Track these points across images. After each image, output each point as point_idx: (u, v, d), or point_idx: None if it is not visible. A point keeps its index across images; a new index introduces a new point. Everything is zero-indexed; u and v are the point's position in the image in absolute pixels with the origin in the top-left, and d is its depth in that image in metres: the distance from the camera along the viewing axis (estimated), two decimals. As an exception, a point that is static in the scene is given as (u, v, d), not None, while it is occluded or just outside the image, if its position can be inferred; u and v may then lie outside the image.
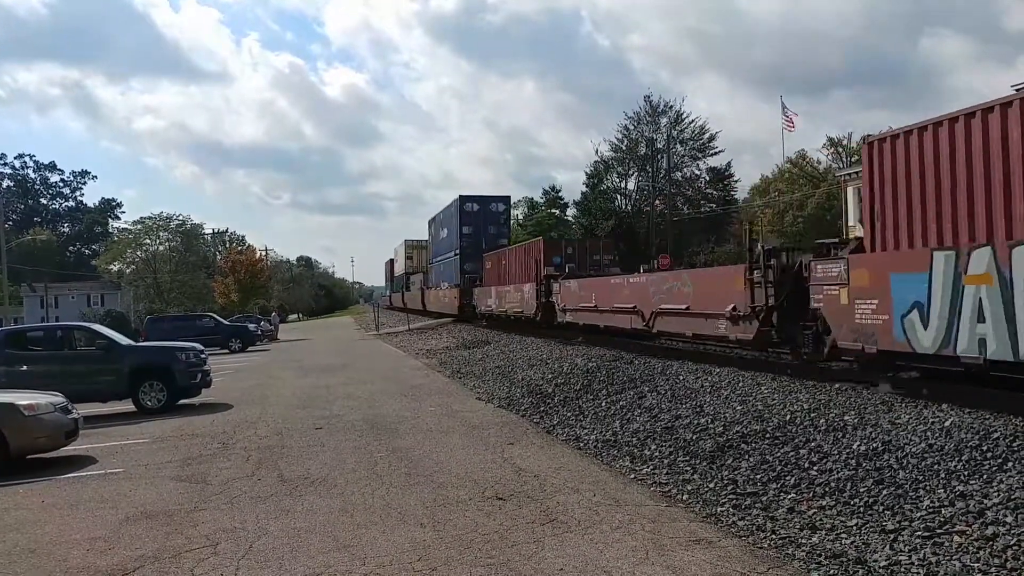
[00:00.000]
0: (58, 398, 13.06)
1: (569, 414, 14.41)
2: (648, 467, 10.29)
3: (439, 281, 54.33)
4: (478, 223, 47.10)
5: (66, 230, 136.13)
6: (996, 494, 7.15)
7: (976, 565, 6.07)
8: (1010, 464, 7.76)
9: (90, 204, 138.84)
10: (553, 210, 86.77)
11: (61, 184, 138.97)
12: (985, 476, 7.64)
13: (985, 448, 8.23)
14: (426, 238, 72.01)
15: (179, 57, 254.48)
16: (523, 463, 10.83)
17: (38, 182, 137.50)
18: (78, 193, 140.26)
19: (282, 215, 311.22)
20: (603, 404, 14.58)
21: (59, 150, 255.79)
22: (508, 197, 54.00)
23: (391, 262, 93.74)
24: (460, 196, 47.88)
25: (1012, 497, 6.99)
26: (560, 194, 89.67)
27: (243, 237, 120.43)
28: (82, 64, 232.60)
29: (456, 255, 47.52)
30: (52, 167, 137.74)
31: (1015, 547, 6.18)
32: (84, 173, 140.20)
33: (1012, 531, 6.43)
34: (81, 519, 9.10)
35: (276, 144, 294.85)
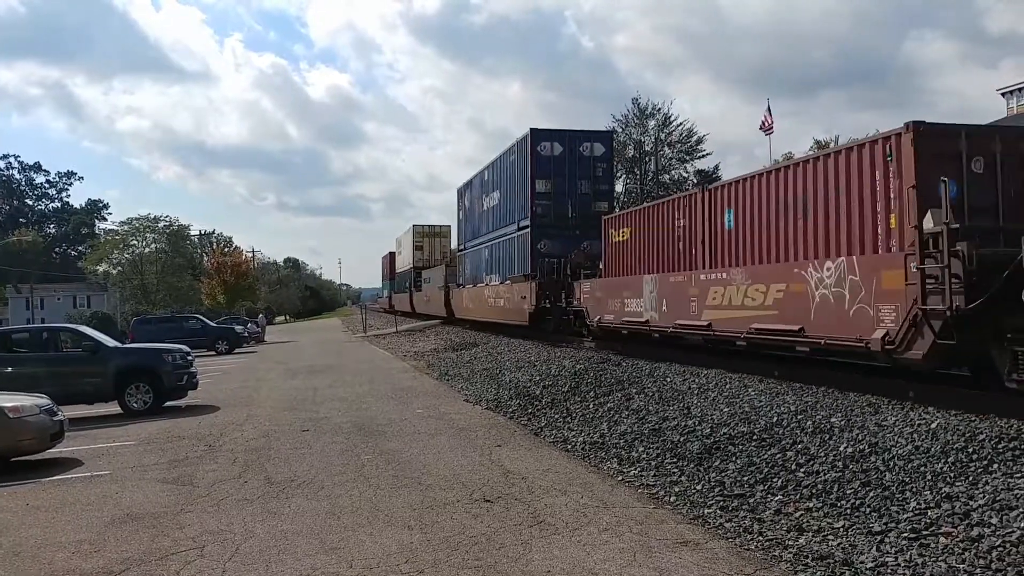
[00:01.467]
0: (43, 400, 12.98)
1: (557, 416, 14.41)
2: (636, 469, 10.30)
3: (482, 274, 37.42)
4: (561, 175, 29.31)
5: (52, 231, 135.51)
6: (981, 496, 7.19)
7: (961, 566, 6.09)
8: (995, 466, 7.80)
9: (76, 205, 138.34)
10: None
11: (47, 185, 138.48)
12: (971, 478, 7.68)
13: (971, 450, 8.26)
14: (439, 223, 63.92)
15: (161, 57, 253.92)
16: (511, 465, 10.83)
17: (23, 183, 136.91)
18: (64, 194, 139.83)
19: (268, 216, 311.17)
20: (591, 406, 14.58)
21: (42, 150, 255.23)
22: (610, 133, 38.33)
23: (390, 257, 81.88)
24: (532, 130, 29.94)
25: (997, 499, 7.02)
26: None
27: (230, 239, 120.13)
28: (62, 63, 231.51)
29: (523, 230, 30.10)
30: (37, 168, 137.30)
31: (1000, 548, 6.21)
32: (70, 174, 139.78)
33: (997, 532, 6.46)
34: (67, 521, 9.04)
35: (260, 145, 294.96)
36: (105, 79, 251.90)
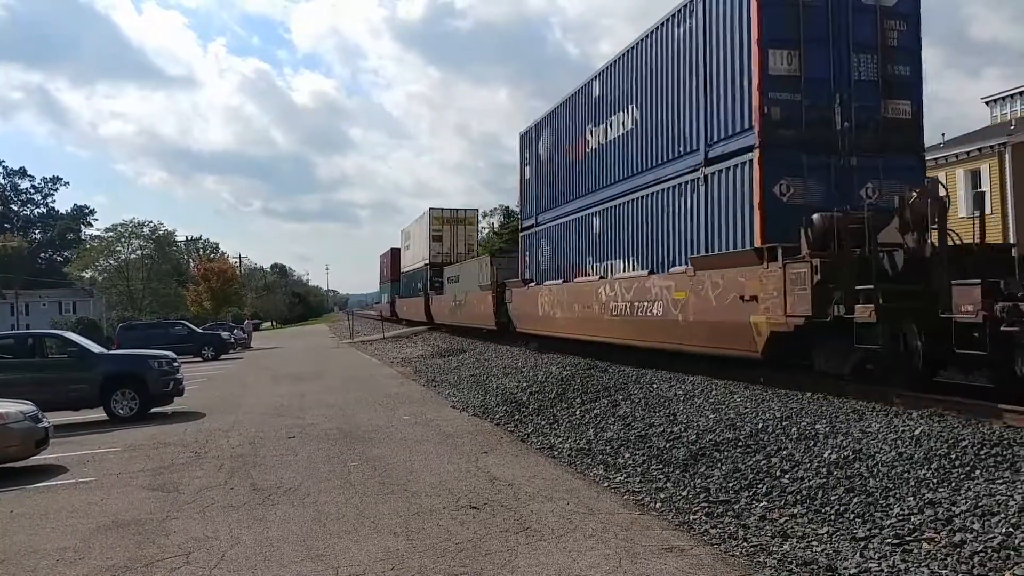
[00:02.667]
0: (28, 406, 12.92)
1: (543, 423, 14.43)
2: (622, 475, 10.33)
3: (584, 260, 23.32)
4: (820, 40, 14.70)
5: (37, 236, 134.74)
6: (964, 501, 7.24)
7: (944, 572, 6.14)
8: (977, 472, 7.86)
9: (62, 210, 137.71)
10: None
11: (32, 190, 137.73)
12: (953, 484, 7.73)
13: (953, 456, 8.33)
14: (464, 207, 51.73)
15: (145, 61, 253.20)
16: (497, 472, 10.84)
17: (8, 188, 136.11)
18: (49, 199, 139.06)
19: (254, 222, 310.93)
20: (577, 413, 14.61)
21: (26, 156, 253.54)
22: None
23: (391, 256, 68.60)
24: None
25: (979, 504, 7.08)
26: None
27: (216, 244, 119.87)
28: (44, 67, 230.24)
29: (732, 159, 15.42)
30: (23, 173, 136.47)
31: (981, 553, 6.26)
32: (56, 179, 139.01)
33: (979, 538, 6.51)
34: (51, 529, 9.01)
35: (246, 150, 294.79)
36: (88, 84, 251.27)
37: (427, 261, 49.37)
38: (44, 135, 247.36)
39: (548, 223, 26.63)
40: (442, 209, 50.73)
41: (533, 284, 27.74)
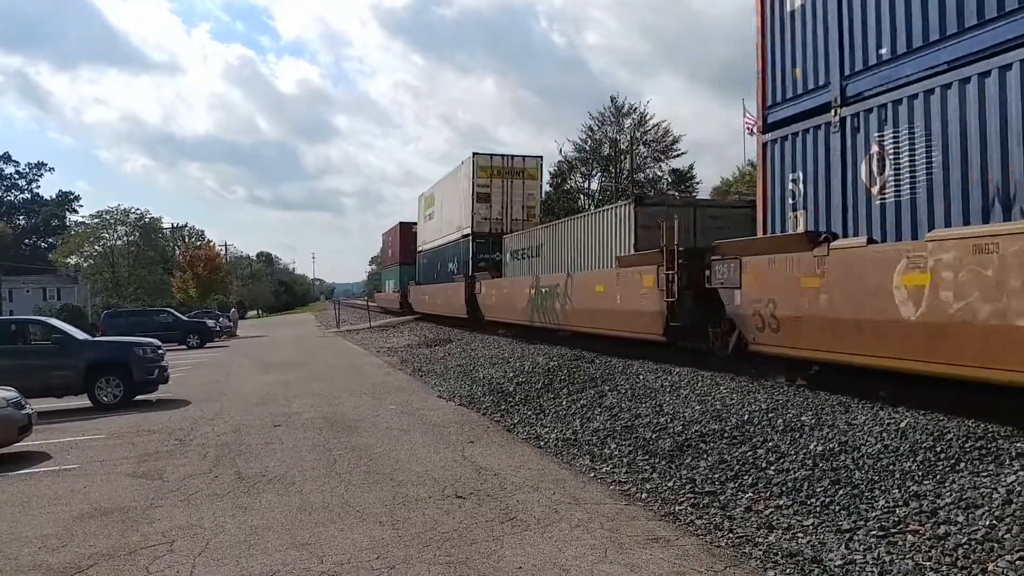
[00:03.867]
0: (11, 393, 12.83)
1: (530, 413, 14.42)
2: (608, 466, 10.33)
3: None
4: None
5: (22, 222, 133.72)
6: (948, 494, 7.26)
7: (928, 564, 6.16)
8: (962, 465, 7.88)
9: (47, 196, 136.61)
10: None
11: (16, 176, 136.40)
12: (938, 476, 7.76)
13: (939, 449, 8.35)
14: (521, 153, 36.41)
15: (127, 46, 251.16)
16: (483, 461, 10.83)
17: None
18: (34, 185, 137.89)
19: (238, 210, 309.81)
20: (564, 403, 14.60)
21: (7, 141, 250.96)
22: None
23: (400, 232, 56.78)
24: None
25: (964, 497, 7.10)
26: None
27: (203, 232, 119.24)
28: (24, 51, 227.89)
29: None
30: (7, 158, 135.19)
31: (966, 546, 6.28)
32: (40, 165, 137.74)
33: (963, 530, 6.53)
34: (33, 516, 8.95)
35: (230, 137, 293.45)
36: (70, 68, 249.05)
37: (468, 231, 35.96)
38: (26, 119, 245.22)
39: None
40: (490, 155, 36.15)
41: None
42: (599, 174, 78.09)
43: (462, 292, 34.02)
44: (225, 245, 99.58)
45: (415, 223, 53.07)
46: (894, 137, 11.15)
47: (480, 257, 34.94)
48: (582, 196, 77.00)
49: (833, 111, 12.33)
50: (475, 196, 35.50)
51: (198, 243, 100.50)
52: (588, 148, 76.37)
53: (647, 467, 9.98)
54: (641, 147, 75.94)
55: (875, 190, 11.53)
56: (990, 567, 5.96)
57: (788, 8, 13.57)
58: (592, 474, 10.05)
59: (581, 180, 78.83)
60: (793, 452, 9.26)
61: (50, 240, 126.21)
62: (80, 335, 19.76)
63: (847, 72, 12.09)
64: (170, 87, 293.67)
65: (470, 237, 35.81)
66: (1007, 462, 7.68)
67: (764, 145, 14.41)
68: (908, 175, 10.89)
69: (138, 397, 18.74)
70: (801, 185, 13.24)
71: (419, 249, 49.75)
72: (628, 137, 75.51)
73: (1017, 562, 5.90)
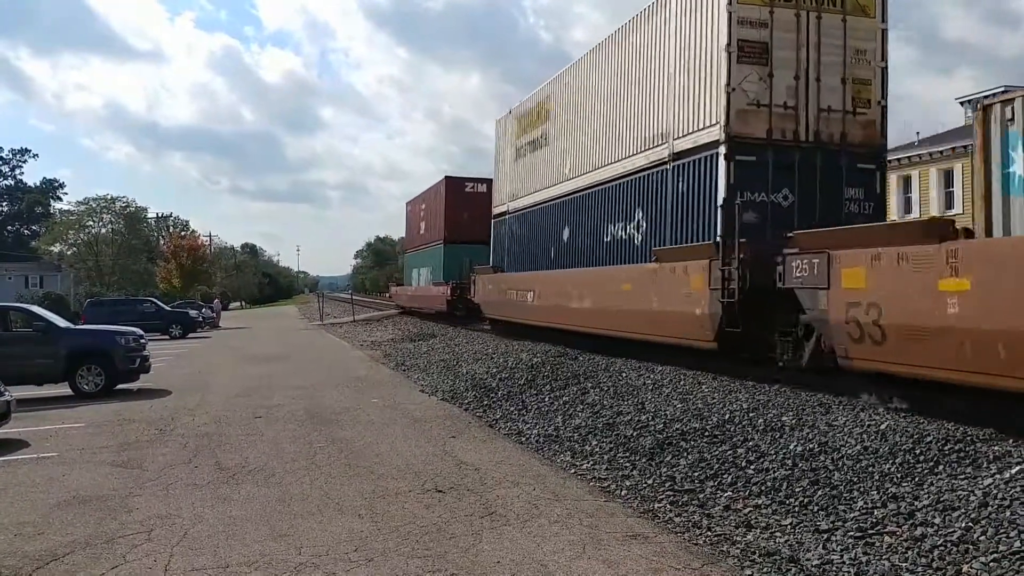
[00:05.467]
0: (-10, 379, 12.77)
1: (512, 408, 14.43)
2: (588, 462, 10.35)
3: None
4: None
5: (5, 209, 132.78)
6: (926, 496, 7.31)
7: (904, 565, 6.19)
8: (941, 467, 7.94)
9: (30, 183, 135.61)
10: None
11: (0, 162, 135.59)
12: (917, 479, 7.80)
13: (918, 451, 8.40)
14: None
15: (111, 33, 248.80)
16: (464, 456, 10.83)
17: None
18: (18, 171, 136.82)
19: (221, 200, 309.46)
20: (546, 399, 14.62)
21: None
22: None
23: (443, 194, 39.20)
24: None
25: (941, 499, 7.15)
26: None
27: (187, 222, 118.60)
28: (4, 34, 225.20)
29: None
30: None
31: (941, 547, 6.32)
32: (24, 151, 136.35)
33: (939, 532, 6.57)
34: (10, 503, 8.89)
35: (214, 127, 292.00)
36: (52, 54, 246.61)
37: (715, 130, 14.54)
38: (5, 105, 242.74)
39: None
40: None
41: None
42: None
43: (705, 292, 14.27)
44: (210, 236, 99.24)
45: (468, 179, 39.40)
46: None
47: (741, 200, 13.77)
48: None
49: None
50: (735, 45, 14.31)
51: (183, 233, 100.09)
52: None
53: (627, 464, 10.00)
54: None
55: None
56: (964, 568, 6.00)
57: None
58: (573, 470, 10.07)
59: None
60: (773, 452, 9.30)
61: (34, 227, 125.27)
62: (62, 323, 19.65)
63: None
64: (154, 76, 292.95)
65: (722, 146, 14.42)
66: (984, 465, 7.74)
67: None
68: None
69: (119, 386, 18.64)
70: None
71: (504, 212, 28.46)
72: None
73: (991, 563, 5.95)
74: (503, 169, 29.20)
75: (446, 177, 39.79)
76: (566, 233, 22.28)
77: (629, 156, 18.31)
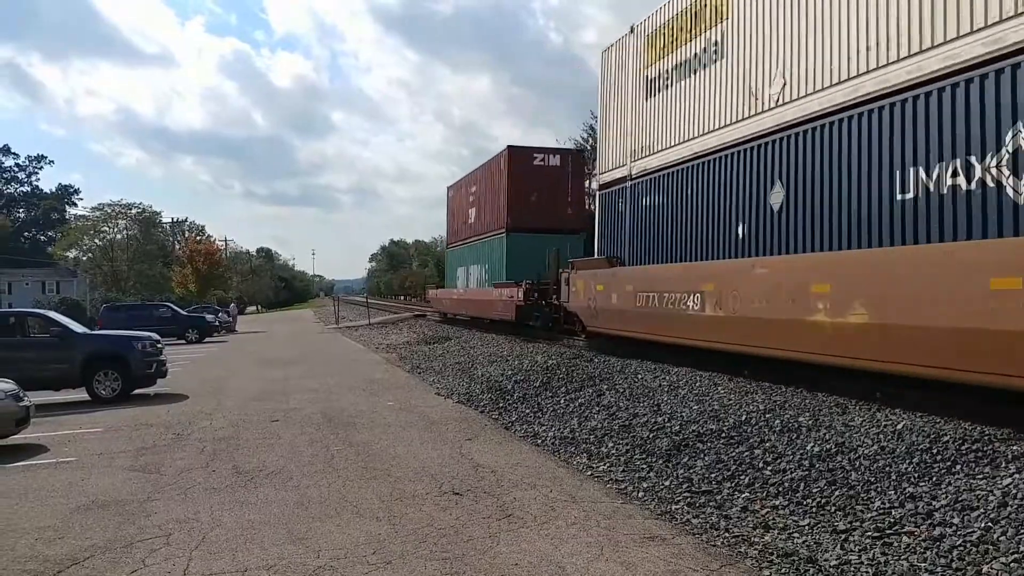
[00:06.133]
0: (9, 385, 12.82)
1: (528, 411, 14.43)
2: (605, 464, 10.34)
3: None
4: None
5: (21, 215, 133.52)
6: (944, 496, 7.28)
7: (923, 565, 6.17)
8: (958, 467, 7.90)
9: (46, 189, 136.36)
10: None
11: (16, 169, 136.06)
12: (934, 478, 7.77)
13: (935, 451, 8.36)
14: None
15: (121, 38, 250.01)
16: (481, 459, 10.84)
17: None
18: (34, 178, 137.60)
19: (233, 205, 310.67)
20: (562, 401, 14.61)
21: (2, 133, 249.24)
22: None
23: (506, 170, 30.48)
24: None
25: (959, 499, 7.11)
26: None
27: (203, 227, 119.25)
28: (16, 41, 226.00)
29: None
30: (7, 151, 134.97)
31: (960, 548, 6.29)
32: (40, 157, 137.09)
33: (958, 532, 6.54)
34: (30, 508, 8.95)
35: (225, 132, 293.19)
36: (62, 59, 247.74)
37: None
38: (15, 110, 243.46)
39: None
40: None
41: None
42: (601, 173, 77.71)
43: None
44: (225, 240, 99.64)
45: (536, 149, 31.10)
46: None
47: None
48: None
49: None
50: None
51: (199, 238, 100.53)
52: (591, 147, 76.31)
53: (644, 466, 9.99)
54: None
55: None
56: (984, 569, 5.97)
57: None
58: (589, 472, 10.06)
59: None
60: (790, 453, 9.27)
61: (49, 233, 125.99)
62: (79, 328, 19.76)
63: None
64: (164, 80, 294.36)
65: None
66: (1003, 465, 7.70)
67: None
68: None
69: (136, 391, 18.74)
70: None
71: (621, 179, 20.18)
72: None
73: (1012, 564, 5.92)
74: (620, 116, 20.65)
75: (509, 147, 30.78)
76: (776, 195, 13.86)
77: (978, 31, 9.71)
